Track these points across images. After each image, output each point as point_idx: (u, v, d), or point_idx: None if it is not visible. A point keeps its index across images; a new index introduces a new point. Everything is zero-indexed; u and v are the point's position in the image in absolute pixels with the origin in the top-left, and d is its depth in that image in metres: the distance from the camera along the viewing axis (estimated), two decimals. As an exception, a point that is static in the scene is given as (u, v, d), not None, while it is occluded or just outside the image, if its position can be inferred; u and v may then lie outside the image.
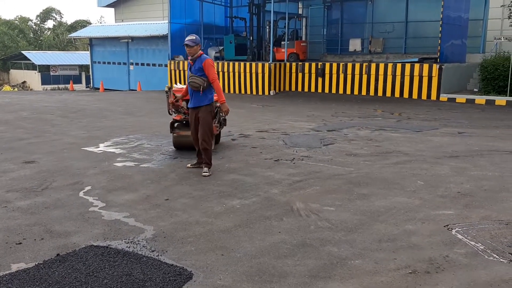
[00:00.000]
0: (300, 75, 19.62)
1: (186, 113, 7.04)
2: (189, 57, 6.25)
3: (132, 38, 27.90)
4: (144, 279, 3.34)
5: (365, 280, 3.39)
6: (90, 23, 49.73)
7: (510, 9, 16.47)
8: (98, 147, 8.36)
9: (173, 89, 7.29)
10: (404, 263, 3.65)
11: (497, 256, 3.75)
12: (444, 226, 4.41)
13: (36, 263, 3.60)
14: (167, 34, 22.44)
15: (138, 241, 4.08)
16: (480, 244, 3.98)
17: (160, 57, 25.99)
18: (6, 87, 36.76)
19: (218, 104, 7.02)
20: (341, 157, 7.52)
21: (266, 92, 19.11)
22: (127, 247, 3.94)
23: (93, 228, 4.39)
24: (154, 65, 27.09)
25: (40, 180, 6.07)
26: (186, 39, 6.15)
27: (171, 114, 7.39)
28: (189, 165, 6.77)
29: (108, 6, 34.55)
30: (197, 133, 6.38)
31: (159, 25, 26.43)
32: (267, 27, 21.43)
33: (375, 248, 3.95)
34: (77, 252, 3.80)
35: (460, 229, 4.33)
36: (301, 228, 4.43)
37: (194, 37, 6.15)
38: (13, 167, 6.80)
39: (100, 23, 49.99)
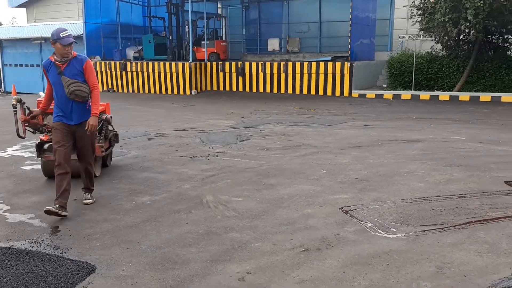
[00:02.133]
0: (221, 74, 19.84)
1: (50, 130, 5.35)
2: (57, 58, 4.79)
3: (45, 39, 26.65)
4: (46, 275, 3.36)
5: (262, 260, 3.65)
6: (1, 24, 46.87)
7: (411, 10, 17.73)
8: (6, 151, 8.05)
9: (38, 99, 5.72)
10: (299, 243, 3.95)
11: (382, 232, 4.17)
12: (339, 209, 4.80)
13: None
14: (82, 34, 21.74)
15: (43, 240, 4.06)
16: (369, 222, 4.39)
17: (76, 58, 25.04)
18: None
19: (104, 116, 6.01)
20: (254, 151, 7.81)
21: (188, 92, 19.12)
22: (30, 247, 3.92)
23: (-5, 231, 4.30)
24: (70, 66, 26.07)
25: None
26: (64, 34, 4.73)
27: (21, 137, 5.44)
28: (50, 207, 4.59)
29: (20, 6, 32.85)
30: (68, 157, 4.81)
31: (74, 25, 25.46)
32: (187, 26, 21.43)
33: (274, 231, 4.23)
34: (-24, 255, 3.73)
35: (352, 210, 4.73)
36: (208, 218, 4.62)
37: (70, 32, 4.86)
38: None
39: (12, 24, 47.29)
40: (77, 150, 5.01)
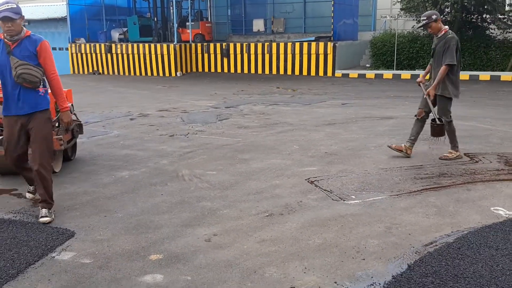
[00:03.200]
0: (206, 56, 19.97)
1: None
2: (6, 36, 4.05)
3: (29, 21, 26.46)
4: (28, 239, 3.66)
5: (228, 224, 3.97)
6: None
7: (393, -11, 17.94)
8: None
9: None
10: (264, 209, 4.28)
11: (341, 199, 4.51)
12: (306, 179, 5.13)
13: None
14: (66, 16, 21.67)
15: (25, 211, 4.34)
16: (330, 191, 4.73)
17: (60, 41, 24.97)
18: None
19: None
20: (232, 130, 8.10)
21: (173, 74, 19.27)
22: (13, 216, 4.20)
23: (-20, 204, 4.56)
24: (54, 48, 25.86)
25: None
26: (2, 8, 3.94)
27: None
28: (29, 195, 4.65)
29: (1, -13, 32.31)
30: (23, 153, 4.26)
31: (58, 7, 25.34)
32: (171, 7, 21.44)
33: (243, 200, 4.56)
34: (-37, 224, 4.01)
35: (317, 181, 5.07)
36: (183, 190, 4.93)
37: (15, 6, 4.02)
38: None
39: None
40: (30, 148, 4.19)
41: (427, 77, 6.06)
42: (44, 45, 4.14)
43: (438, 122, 5.71)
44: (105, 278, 3.11)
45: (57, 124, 5.33)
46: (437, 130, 5.73)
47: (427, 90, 5.71)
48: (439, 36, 5.73)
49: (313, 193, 4.70)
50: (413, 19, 17.78)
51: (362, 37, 20.42)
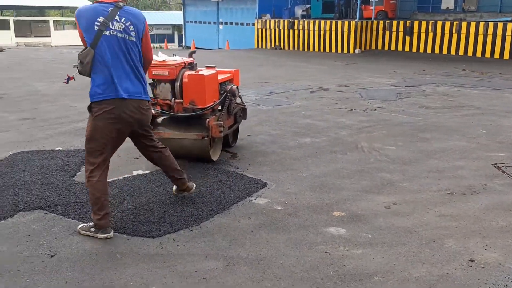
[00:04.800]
0: (387, 33, 19.56)
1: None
2: None
3: (222, -2, 28.95)
4: (230, 184, 4.32)
5: (407, 195, 4.11)
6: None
7: None
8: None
9: (157, 61, 4.48)
10: (445, 187, 4.30)
11: (533, 188, 4.26)
12: (492, 164, 4.93)
13: (150, 171, 4.70)
14: (255, -8, 23.15)
15: (226, 161, 5.06)
16: (520, 178, 4.49)
17: (248, 16, 26.81)
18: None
19: (229, 87, 5.01)
20: (413, 109, 8.00)
21: (352, 51, 19.34)
22: (217, 164, 4.94)
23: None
24: (242, 24, 28.03)
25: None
26: None
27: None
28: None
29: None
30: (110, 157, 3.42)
31: (249, -16, 27.12)
32: (356, -16, 21.34)
33: (423, 176, 4.61)
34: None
35: (505, 167, 4.83)
36: (362, 160, 5.17)
37: None
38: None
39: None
40: None
41: None
42: (145, 21, 3.47)
43: None
44: (295, 223, 3.55)
45: (220, 107, 5.01)
46: None
47: None
48: None
49: (500, 178, 4.52)
50: None
51: None
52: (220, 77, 5.02)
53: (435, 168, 4.86)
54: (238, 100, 5.37)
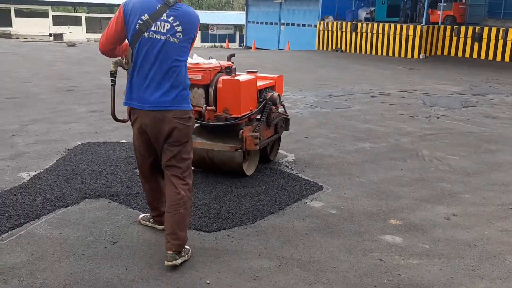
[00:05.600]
0: (454, 39, 18.86)
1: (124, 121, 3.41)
2: None
3: (284, -1, 29.02)
4: (285, 185, 4.34)
5: (469, 208, 3.96)
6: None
7: None
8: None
9: (190, 64, 4.00)
10: (509, 201, 4.11)
11: None
12: None
13: (208, 167, 4.80)
14: (319, -6, 23.04)
15: (282, 162, 5.09)
16: None
17: (310, 18, 26.71)
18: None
19: (269, 94, 4.53)
20: (478, 118, 7.68)
21: (416, 56, 18.80)
22: (274, 165, 4.98)
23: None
24: (303, 25, 27.95)
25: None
26: None
27: (120, 120, 3.40)
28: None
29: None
30: (153, 166, 3.19)
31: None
32: (423, -12, 20.73)
33: (486, 189, 4.43)
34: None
35: None
36: (422, 168, 5.03)
37: None
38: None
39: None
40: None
41: None
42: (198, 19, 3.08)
43: None
44: (350, 229, 3.52)
45: (258, 116, 4.51)
46: None
47: None
48: None
49: None
50: None
51: None
52: (260, 83, 4.56)
53: (499, 181, 4.65)
54: (280, 109, 4.96)
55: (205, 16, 43.75)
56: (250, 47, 30.80)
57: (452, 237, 3.42)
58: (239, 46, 38.71)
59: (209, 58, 4.28)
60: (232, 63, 4.45)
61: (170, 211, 2.95)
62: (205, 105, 4.13)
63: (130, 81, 2.93)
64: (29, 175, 4.43)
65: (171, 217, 2.93)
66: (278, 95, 4.66)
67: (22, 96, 8.53)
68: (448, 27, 18.92)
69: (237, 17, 43.44)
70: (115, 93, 3.22)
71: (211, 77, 4.12)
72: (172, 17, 2.83)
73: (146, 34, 2.82)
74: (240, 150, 4.21)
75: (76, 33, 36.45)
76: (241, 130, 4.16)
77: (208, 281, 2.79)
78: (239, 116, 4.17)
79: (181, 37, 2.85)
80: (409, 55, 19.00)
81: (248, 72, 4.69)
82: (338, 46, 21.86)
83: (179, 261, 2.93)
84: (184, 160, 3.00)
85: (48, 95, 8.69)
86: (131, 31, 2.84)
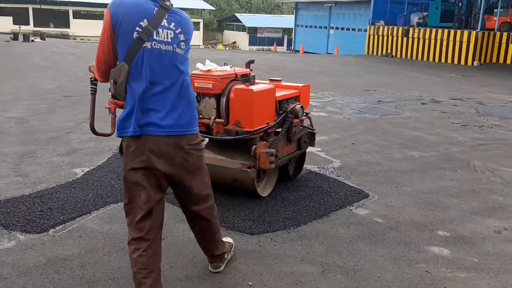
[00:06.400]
0: (510, 46, 18.10)
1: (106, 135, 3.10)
2: None
3: (336, 3, 28.82)
4: (330, 191, 4.32)
5: (522, 223, 3.80)
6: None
7: None
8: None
9: (195, 72, 3.70)
10: None
11: None
12: None
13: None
14: (370, -1, 22.73)
15: (327, 168, 5.06)
16: None
17: (360, 22, 26.42)
18: (220, 46, 41.64)
19: (290, 106, 4.08)
20: (536, 129, 7.35)
21: (469, 63, 18.19)
22: (318, 170, 4.96)
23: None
24: (353, 29, 27.65)
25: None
26: None
27: (100, 134, 3.03)
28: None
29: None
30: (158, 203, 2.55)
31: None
32: (480, -8, 20.03)
33: (542, 203, 4.23)
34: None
35: None
36: (473, 180, 4.87)
37: None
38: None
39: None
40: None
41: None
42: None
43: None
44: (395, 238, 3.46)
45: (276, 130, 4.07)
46: None
47: None
48: None
49: None
50: None
51: None
52: (280, 93, 4.06)
53: (558, 196, 4.43)
54: (305, 123, 4.48)
55: (254, 20, 44.07)
56: (298, 51, 30.76)
57: (502, 251, 3.29)
58: (287, 49, 38.73)
59: (224, 65, 3.88)
60: (251, 70, 4.01)
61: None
62: (213, 117, 3.70)
63: (131, 104, 2.34)
64: (82, 171, 4.63)
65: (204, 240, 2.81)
66: (301, 106, 4.16)
67: (78, 95, 8.90)
68: (505, 34, 18.19)
69: (286, 20, 43.49)
70: (95, 103, 2.81)
71: (223, 86, 3.68)
72: (173, 24, 2.36)
73: (148, 44, 2.29)
74: (252, 168, 3.73)
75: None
76: (254, 146, 3.68)
77: (250, 283, 2.82)
78: (252, 130, 3.67)
79: (184, 47, 2.41)
80: (462, 62, 18.40)
81: (271, 80, 4.28)
82: (389, 51, 21.46)
83: (222, 267, 2.95)
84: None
85: (102, 94, 9.00)
86: (127, 41, 2.28)
